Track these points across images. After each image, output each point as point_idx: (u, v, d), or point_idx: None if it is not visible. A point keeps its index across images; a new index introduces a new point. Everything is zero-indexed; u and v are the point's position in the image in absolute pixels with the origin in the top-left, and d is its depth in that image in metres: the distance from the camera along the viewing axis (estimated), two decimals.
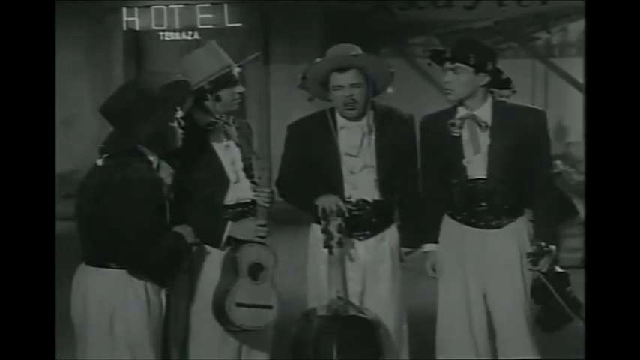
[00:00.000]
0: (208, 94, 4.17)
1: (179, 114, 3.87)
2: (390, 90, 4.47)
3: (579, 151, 9.46)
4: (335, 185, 4.38)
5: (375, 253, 4.47)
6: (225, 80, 4.19)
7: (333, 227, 4.21)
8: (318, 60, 4.39)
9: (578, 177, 9.09)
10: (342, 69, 4.32)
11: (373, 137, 4.43)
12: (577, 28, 11.52)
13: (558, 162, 9.30)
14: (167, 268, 3.83)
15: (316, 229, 4.47)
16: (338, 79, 4.33)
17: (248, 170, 4.24)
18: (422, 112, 4.59)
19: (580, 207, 8.09)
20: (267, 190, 4.17)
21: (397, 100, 4.51)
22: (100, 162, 3.73)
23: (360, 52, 4.37)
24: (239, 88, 4.25)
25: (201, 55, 4.24)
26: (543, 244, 4.24)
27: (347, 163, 4.42)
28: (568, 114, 10.97)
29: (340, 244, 4.23)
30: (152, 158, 3.83)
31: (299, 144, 4.49)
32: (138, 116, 3.72)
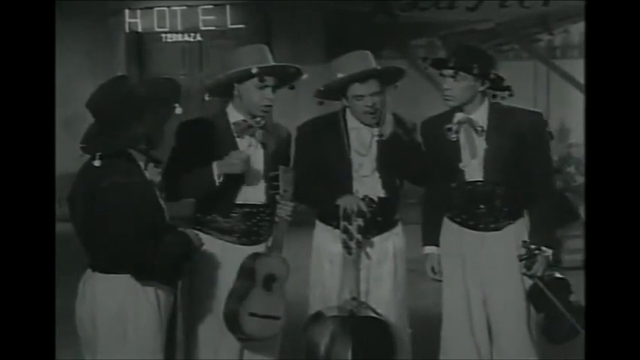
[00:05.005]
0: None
1: (178, 110, 3.72)
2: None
3: (581, 153, 9.45)
4: (344, 184, 4.38)
5: (378, 254, 4.47)
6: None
7: (353, 228, 4.21)
8: (340, 75, 4.33)
9: (580, 179, 9.08)
10: (363, 79, 4.31)
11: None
12: (579, 29, 11.51)
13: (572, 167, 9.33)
14: (174, 268, 3.77)
15: (320, 230, 4.47)
16: (359, 89, 4.33)
17: (270, 179, 4.21)
18: (424, 114, 4.59)
19: (582, 209, 8.07)
20: (291, 205, 4.17)
21: (398, 102, 4.50)
22: (97, 163, 3.56)
23: (377, 65, 4.36)
24: (267, 92, 4.27)
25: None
26: (533, 246, 4.24)
27: (355, 161, 4.42)
28: (570, 115, 10.94)
29: (359, 244, 4.23)
30: (140, 160, 3.71)
31: (310, 145, 4.48)
32: (130, 116, 3.59)
